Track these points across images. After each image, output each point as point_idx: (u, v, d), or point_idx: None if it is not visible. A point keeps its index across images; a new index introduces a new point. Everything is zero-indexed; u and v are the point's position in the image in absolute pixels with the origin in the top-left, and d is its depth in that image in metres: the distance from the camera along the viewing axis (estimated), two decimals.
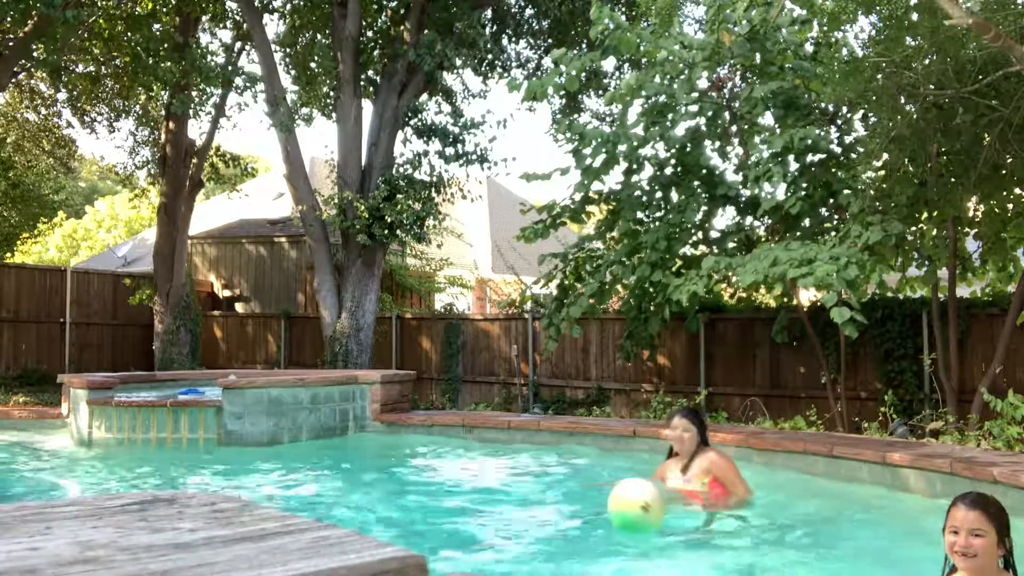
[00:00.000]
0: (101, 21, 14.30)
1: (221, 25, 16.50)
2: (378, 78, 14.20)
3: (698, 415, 5.49)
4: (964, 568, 3.01)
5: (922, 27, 7.17)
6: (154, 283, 15.74)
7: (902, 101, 7.80)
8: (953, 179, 8.11)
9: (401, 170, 13.80)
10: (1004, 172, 7.97)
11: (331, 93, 14.46)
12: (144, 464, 7.72)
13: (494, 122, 37.46)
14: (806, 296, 10.18)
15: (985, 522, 3.00)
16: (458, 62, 13.45)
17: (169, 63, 13.31)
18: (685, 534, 4.87)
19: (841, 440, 6.87)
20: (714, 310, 11.51)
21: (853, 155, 9.28)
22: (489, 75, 14.69)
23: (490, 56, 14.26)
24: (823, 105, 9.31)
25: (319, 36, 15.34)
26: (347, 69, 13.39)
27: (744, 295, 11.39)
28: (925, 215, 8.76)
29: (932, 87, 7.32)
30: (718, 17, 9.36)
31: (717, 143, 10.29)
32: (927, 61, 7.40)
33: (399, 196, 13.07)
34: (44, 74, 15.76)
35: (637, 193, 10.27)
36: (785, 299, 10.17)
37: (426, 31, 13.53)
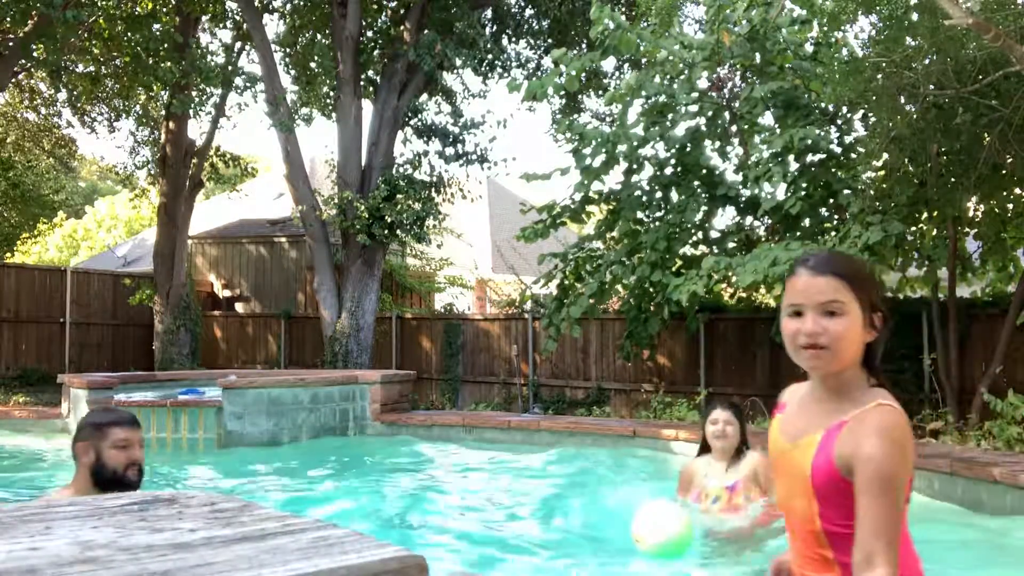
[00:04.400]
0: (101, 21, 14.29)
1: (221, 25, 16.50)
2: (378, 78, 14.19)
3: (739, 409, 5.06)
4: None
5: (922, 27, 7.17)
6: (154, 283, 15.73)
7: (902, 101, 7.80)
8: (953, 179, 8.10)
9: (401, 170, 13.80)
10: (1004, 172, 7.97)
11: (331, 93, 14.45)
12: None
13: (494, 122, 37.52)
14: None
15: None
16: (458, 62, 13.45)
17: (169, 63, 13.31)
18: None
19: None
20: (714, 310, 11.50)
21: (853, 155, 9.28)
22: (489, 75, 14.69)
23: (490, 56, 14.26)
24: (823, 105, 9.31)
25: (319, 36, 15.33)
26: (347, 69, 13.39)
27: (744, 295, 11.38)
28: (925, 215, 8.75)
29: (932, 87, 7.31)
30: (718, 17, 9.36)
31: (717, 143, 10.29)
32: (927, 61, 7.40)
33: (399, 196, 13.07)
34: (44, 74, 15.75)
35: (637, 193, 10.27)
36: None
37: (426, 31, 13.53)
